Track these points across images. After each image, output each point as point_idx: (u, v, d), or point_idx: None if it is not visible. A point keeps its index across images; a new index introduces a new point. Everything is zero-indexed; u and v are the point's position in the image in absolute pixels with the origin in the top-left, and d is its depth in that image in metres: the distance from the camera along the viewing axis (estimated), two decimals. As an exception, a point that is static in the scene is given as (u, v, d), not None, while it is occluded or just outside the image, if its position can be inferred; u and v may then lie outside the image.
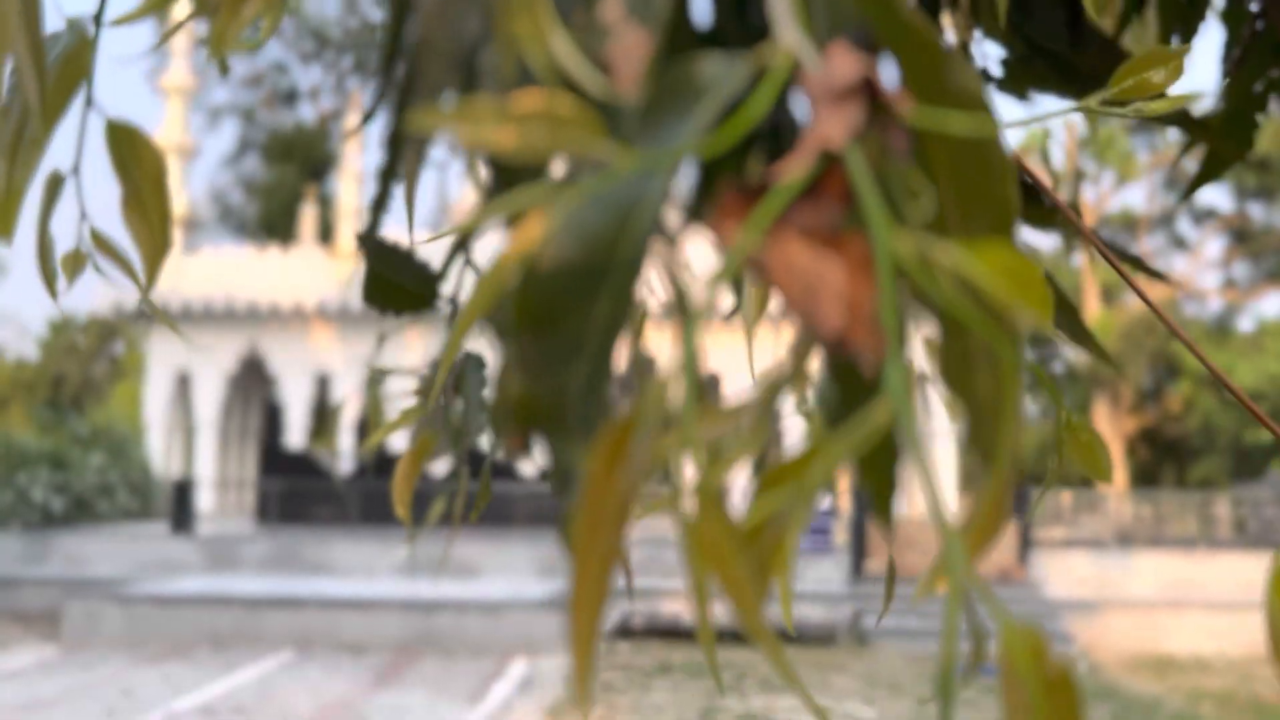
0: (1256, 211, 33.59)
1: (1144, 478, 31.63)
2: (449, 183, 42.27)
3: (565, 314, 0.29)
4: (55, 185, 0.72)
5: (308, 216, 26.14)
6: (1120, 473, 29.92)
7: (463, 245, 0.95)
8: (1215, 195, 33.83)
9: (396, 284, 0.82)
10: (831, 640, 11.45)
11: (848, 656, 10.71)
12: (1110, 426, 29.34)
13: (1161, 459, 32.33)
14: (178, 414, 23.01)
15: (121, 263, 0.73)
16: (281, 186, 32.23)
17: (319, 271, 22.45)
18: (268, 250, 22.89)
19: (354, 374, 22.16)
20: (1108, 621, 11.74)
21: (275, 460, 16.25)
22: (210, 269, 22.58)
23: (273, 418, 16.82)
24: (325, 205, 30.52)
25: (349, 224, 22.76)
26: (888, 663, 10.48)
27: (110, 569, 13.60)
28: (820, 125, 0.28)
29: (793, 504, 0.32)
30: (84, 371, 46.37)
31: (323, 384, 23.29)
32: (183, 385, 22.68)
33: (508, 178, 0.38)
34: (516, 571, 13.30)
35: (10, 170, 0.66)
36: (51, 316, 48.66)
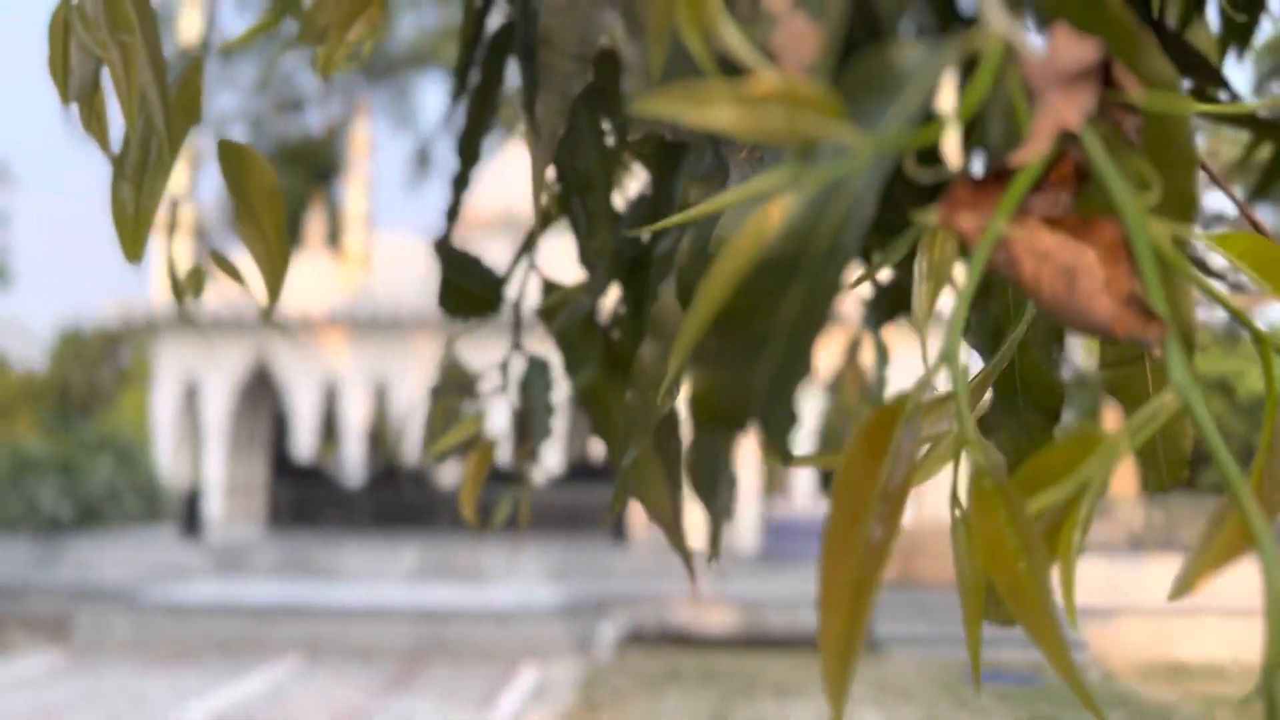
0: (1265, 215, 33.61)
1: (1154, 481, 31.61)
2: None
3: (756, 307, 0.28)
4: (175, 207, 0.74)
5: (315, 223, 26.20)
6: (1129, 478, 29.88)
7: (528, 248, 0.94)
8: (1221, 200, 33.84)
9: (467, 289, 0.82)
10: (842, 647, 11.41)
11: (861, 663, 10.67)
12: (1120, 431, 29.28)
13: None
14: (186, 420, 23.04)
15: (238, 278, 0.74)
16: (288, 194, 32.26)
17: (327, 278, 22.48)
18: (275, 257, 22.95)
19: (363, 381, 22.16)
20: (1120, 628, 11.68)
21: (284, 467, 16.26)
22: (218, 276, 22.61)
23: (281, 425, 16.82)
24: (332, 212, 30.59)
25: (357, 231, 22.79)
26: (899, 670, 10.43)
27: (120, 575, 13.60)
28: (1052, 109, 0.27)
29: (1073, 497, 0.30)
30: (90, 379, 46.49)
31: (331, 391, 23.29)
32: (191, 392, 22.70)
33: (667, 165, 0.37)
34: (525, 578, 13.28)
35: (138, 196, 0.66)
36: (57, 324, 48.82)
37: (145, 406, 38.72)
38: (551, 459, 21.38)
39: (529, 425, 0.80)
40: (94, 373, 46.85)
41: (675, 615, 12.21)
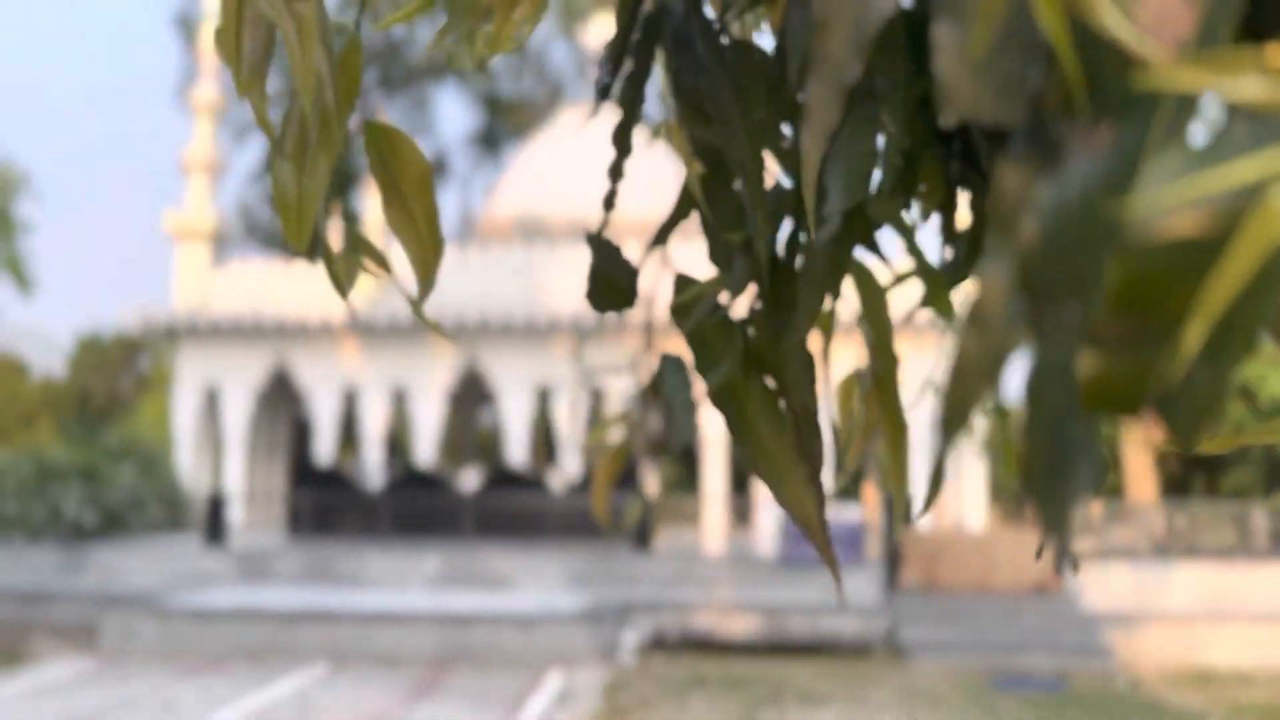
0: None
1: (1175, 488, 31.32)
2: (471, 196, 42.51)
3: (1169, 290, 0.27)
4: (332, 190, 0.72)
5: (334, 231, 26.33)
6: (1149, 483, 29.60)
7: (663, 240, 0.93)
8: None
9: (614, 281, 0.82)
10: (867, 653, 11.38)
11: (884, 669, 10.64)
12: (1138, 437, 29.12)
13: (1192, 469, 32.04)
14: (207, 427, 23.17)
15: (386, 267, 0.72)
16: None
17: (346, 285, 22.59)
18: (294, 264, 23.05)
19: (381, 388, 22.25)
20: (1147, 634, 11.61)
21: (305, 473, 16.33)
22: (238, 283, 22.77)
23: (302, 431, 16.89)
24: (350, 220, 30.73)
25: (377, 237, 22.87)
26: (925, 676, 10.40)
27: (144, 582, 13.69)
28: None
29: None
30: (110, 386, 46.83)
31: (350, 398, 23.39)
32: (212, 399, 22.83)
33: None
34: (548, 584, 13.29)
35: (301, 176, 0.66)
36: (77, 331, 49.17)
37: (165, 413, 38.94)
38: (570, 466, 21.41)
39: (670, 425, 0.79)
40: (114, 380, 47.20)
41: (697, 621, 12.20)
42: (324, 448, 18.17)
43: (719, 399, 0.74)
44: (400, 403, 24.12)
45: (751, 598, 12.73)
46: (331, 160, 0.69)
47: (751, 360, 0.72)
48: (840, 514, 13.44)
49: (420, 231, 0.66)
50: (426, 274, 0.65)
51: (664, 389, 0.79)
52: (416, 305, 0.68)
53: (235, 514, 16.67)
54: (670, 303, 0.73)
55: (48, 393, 43.79)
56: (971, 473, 21.47)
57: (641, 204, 24.74)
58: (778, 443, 0.71)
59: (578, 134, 25.58)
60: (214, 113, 23.54)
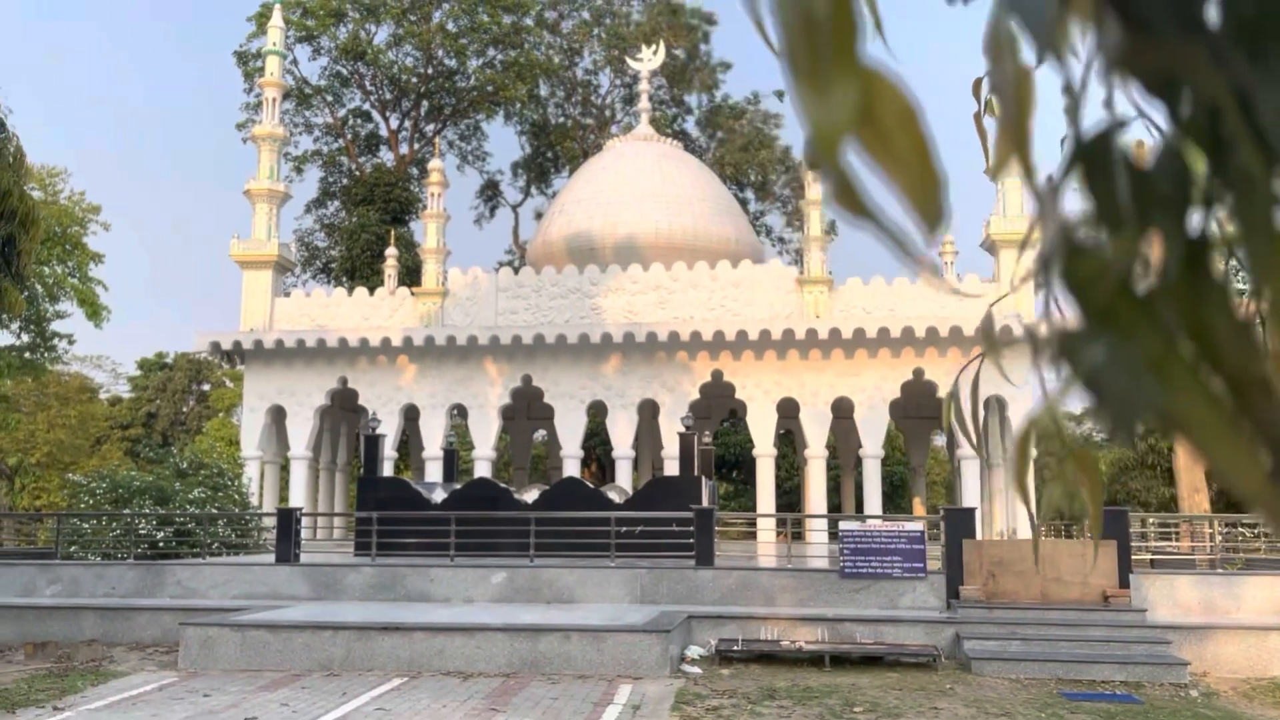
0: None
1: (1227, 502, 30.66)
2: (522, 221, 43.00)
3: None
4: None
5: (390, 258, 26.94)
6: (1202, 496, 29.05)
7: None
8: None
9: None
10: (934, 665, 11.38)
11: (952, 681, 10.64)
12: (1190, 450, 28.50)
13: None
14: (273, 446, 23.76)
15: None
16: (363, 229, 33.08)
17: (404, 310, 23.06)
18: (356, 291, 23.59)
19: (437, 406, 22.65)
20: (1219, 645, 11.47)
21: (369, 490, 16.69)
22: (302, 309, 23.34)
23: (370, 449, 17.27)
24: (405, 247, 31.38)
25: (434, 263, 23.33)
26: (994, 688, 10.38)
27: (220, 597, 14.10)
28: None
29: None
30: (176, 409, 48.00)
31: (409, 416, 23.83)
32: (278, 418, 23.41)
33: None
34: (613, 599, 13.46)
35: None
36: (143, 356, 50.47)
37: (230, 434, 39.86)
38: (623, 479, 21.59)
39: (1113, 421, 0.67)
40: (179, 402, 48.36)
41: (763, 634, 12.29)
42: (387, 465, 18.52)
43: (1132, 370, 0.64)
44: (459, 419, 24.52)
45: (814, 609, 12.79)
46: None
47: (1164, 333, 0.63)
48: (901, 525, 13.45)
49: (911, 164, 0.64)
50: (927, 206, 0.62)
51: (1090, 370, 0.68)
52: (924, 244, 0.63)
53: (304, 531, 17.03)
54: (1064, 272, 0.67)
55: (114, 415, 45.02)
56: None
57: (692, 225, 24.94)
58: (1213, 411, 0.62)
59: (627, 159, 25.88)
60: (275, 144, 24.21)
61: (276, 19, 25.29)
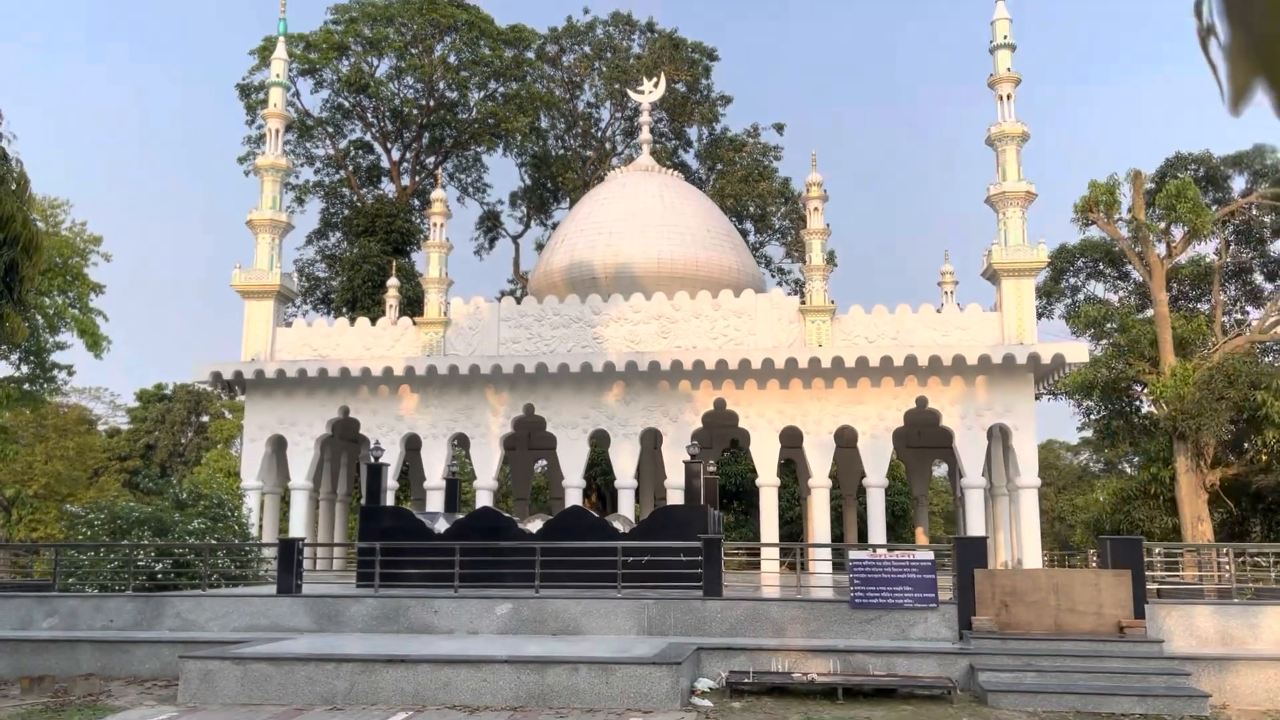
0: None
1: (1231, 531, 30.45)
2: (522, 251, 43.03)
3: None
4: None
5: (392, 288, 26.91)
6: (1205, 525, 28.87)
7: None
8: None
9: None
10: (949, 697, 11.19)
11: (968, 714, 10.44)
12: (1192, 479, 28.44)
13: (1249, 511, 31.16)
14: (273, 476, 23.57)
15: None
16: (365, 260, 33.08)
17: (407, 340, 22.98)
18: (358, 321, 23.52)
19: (439, 436, 22.51)
20: (1239, 677, 11.28)
21: (371, 520, 16.51)
22: (304, 338, 23.25)
23: (373, 479, 17.11)
24: (406, 278, 31.38)
25: (436, 294, 23.28)
26: (1011, 720, 10.19)
27: (221, 630, 13.88)
28: None
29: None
30: (174, 440, 47.76)
31: (411, 446, 23.67)
32: (278, 448, 23.25)
33: None
34: (619, 630, 13.27)
35: None
36: (141, 387, 50.28)
37: (229, 465, 39.61)
38: (625, 509, 21.41)
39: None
40: (177, 433, 48.12)
41: (774, 666, 12.09)
42: (388, 494, 18.33)
43: None
44: (459, 449, 24.35)
45: (825, 640, 12.60)
46: None
47: None
48: (912, 554, 13.30)
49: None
50: None
51: None
52: None
53: (306, 562, 16.81)
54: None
55: (112, 447, 44.76)
56: (1029, 512, 21.14)
57: (695, 255, 24.93)
58: None
59: (629, 190, 25.91)
60: (278, 175, 24.24)
61: (280, 51, 25.41)
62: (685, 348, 21.79)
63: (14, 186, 10.62)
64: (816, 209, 22.57)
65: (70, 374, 28.19)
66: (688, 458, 17.32)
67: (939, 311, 22.01)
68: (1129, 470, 43.63)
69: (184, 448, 48.61)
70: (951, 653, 12.06)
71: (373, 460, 17.67)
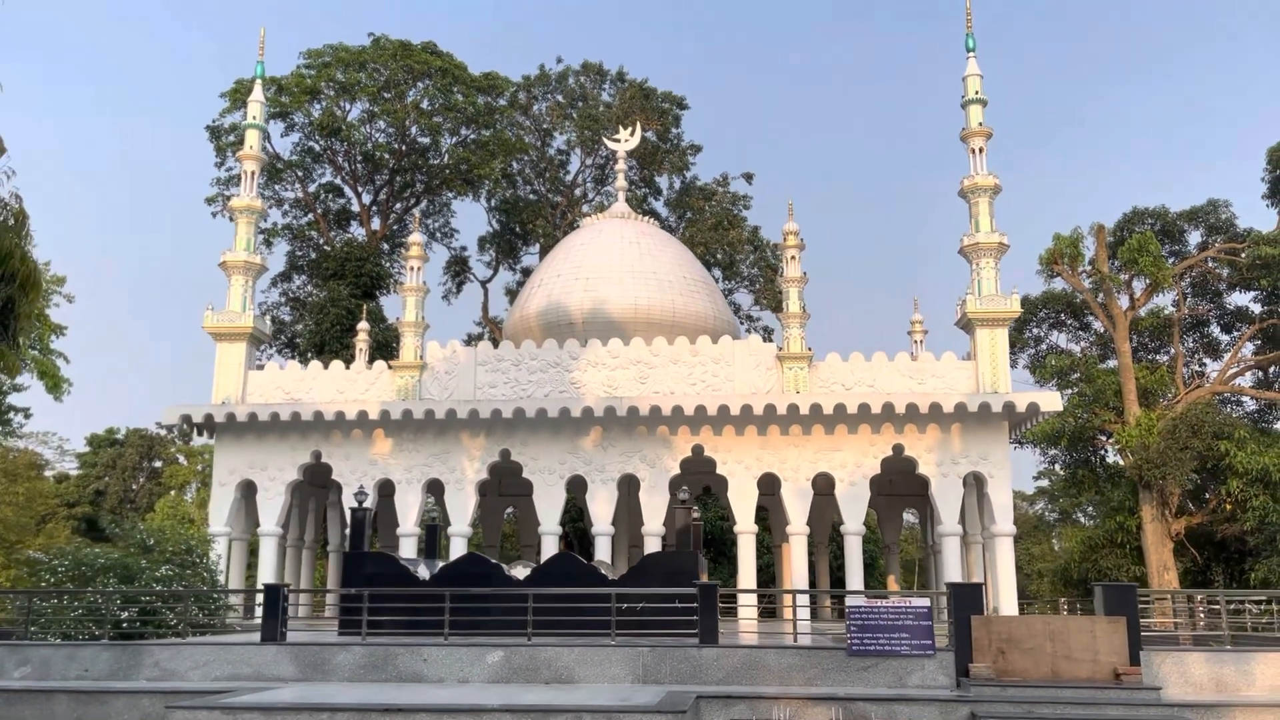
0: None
1: (1195, 579, 30.97)
2: (491, 296, 42.92)
3: None
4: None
5: (362, 332, 26.63)
6: (1171, 575, 29.35)
7: None
8: (1246, 299, 34.09)
9: None
10: (955, 744, 11.16)
11: (977, 761, 10.40)
12: (1158, 528, 28.95)
13: (1212, 560, 31.75)
14: (241, 522, 23.01)
15: None
16: (334, 304, 32.74)
17: (381, 383, 22.71)
18: (332, 364, 23.20)
19: (413, 481, 22.18)
20: (1239, 722, 11.40)
21: (358, 566, 16.16)
22: (275, 381, 22.88)
23: (358, 523, 16.77)
24: (375, 322, 31.06)
25: (411, 337, 23.08)
26: (1020, 767, 10.17)
27: (202, 679, 13.43)
28: None
29: None
30: (125, 486, 46.45)
31: (384, 491, 23.28)
32: (247, 493, 22.73)
33: None
34: (614, 679, 13.07)
35: None
36: (92, 432, 48.94)
37: (183, 512, 38.56)
38: (603, 556, 21.19)
39: None
40: (129, 478, 46.84)
41: (774, 714, 11.98)
42: (365, 540, 17.94)
43: None
44: (434, 494, 23.99)
45: (825, 688, 12.53)
46: None
47: None
48: (909, 601, 13.32)
49: None
50: None
51: None
52: None
53: (287, 609, 16.35)
54: None
55: (61, 493, 43.41)
56: (1004, 560, 21.35)
57: (671, 302, 25.09)
58: None
59: (605, 236, 26.04)
60: (252, 216, 24.00)
61: (257, 94, 25.30)
62: (663, 393, 21.79)
63: (12, 222, 10.40)
64: (794, 257, 22.83)
65: (27, 416, 27.44)
66: (679, 504, 17.21)
67: (914, 359, 22.30)
68: (1083, 520, 44.27)
69: (135, 494, 47.33)
70: (952, 700, 12.05)
71: (357, 505, 17.35)
